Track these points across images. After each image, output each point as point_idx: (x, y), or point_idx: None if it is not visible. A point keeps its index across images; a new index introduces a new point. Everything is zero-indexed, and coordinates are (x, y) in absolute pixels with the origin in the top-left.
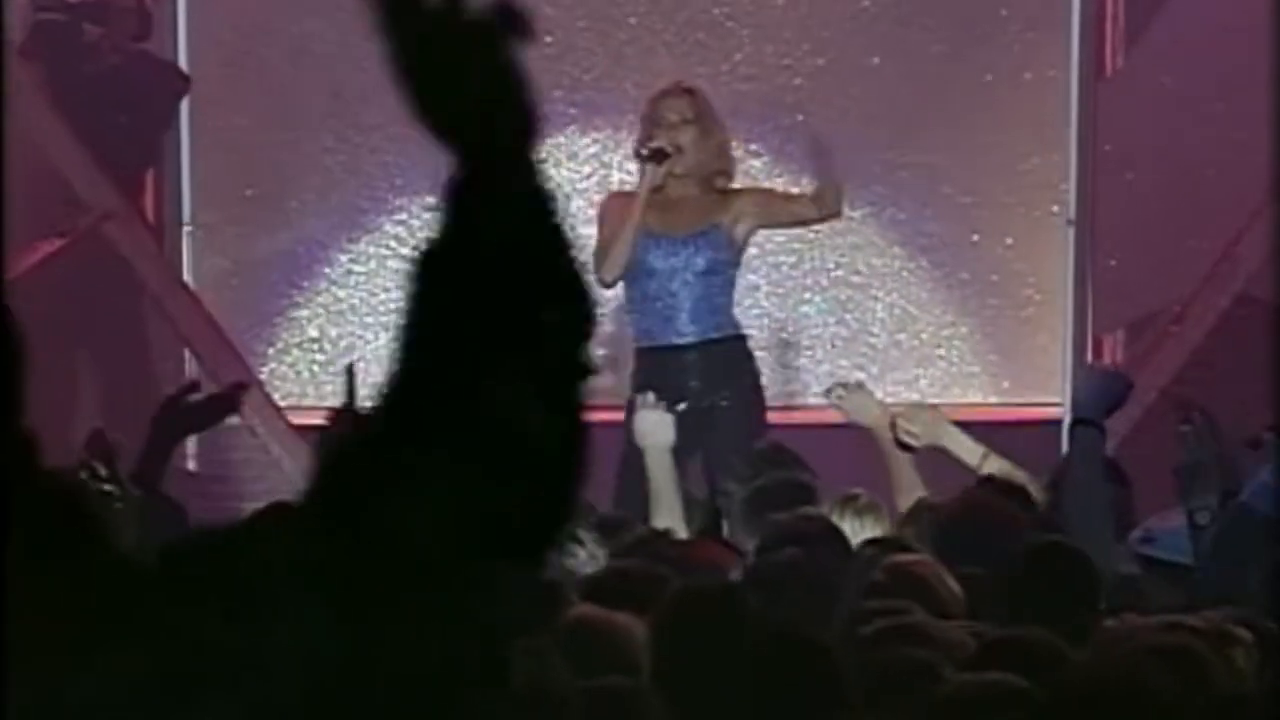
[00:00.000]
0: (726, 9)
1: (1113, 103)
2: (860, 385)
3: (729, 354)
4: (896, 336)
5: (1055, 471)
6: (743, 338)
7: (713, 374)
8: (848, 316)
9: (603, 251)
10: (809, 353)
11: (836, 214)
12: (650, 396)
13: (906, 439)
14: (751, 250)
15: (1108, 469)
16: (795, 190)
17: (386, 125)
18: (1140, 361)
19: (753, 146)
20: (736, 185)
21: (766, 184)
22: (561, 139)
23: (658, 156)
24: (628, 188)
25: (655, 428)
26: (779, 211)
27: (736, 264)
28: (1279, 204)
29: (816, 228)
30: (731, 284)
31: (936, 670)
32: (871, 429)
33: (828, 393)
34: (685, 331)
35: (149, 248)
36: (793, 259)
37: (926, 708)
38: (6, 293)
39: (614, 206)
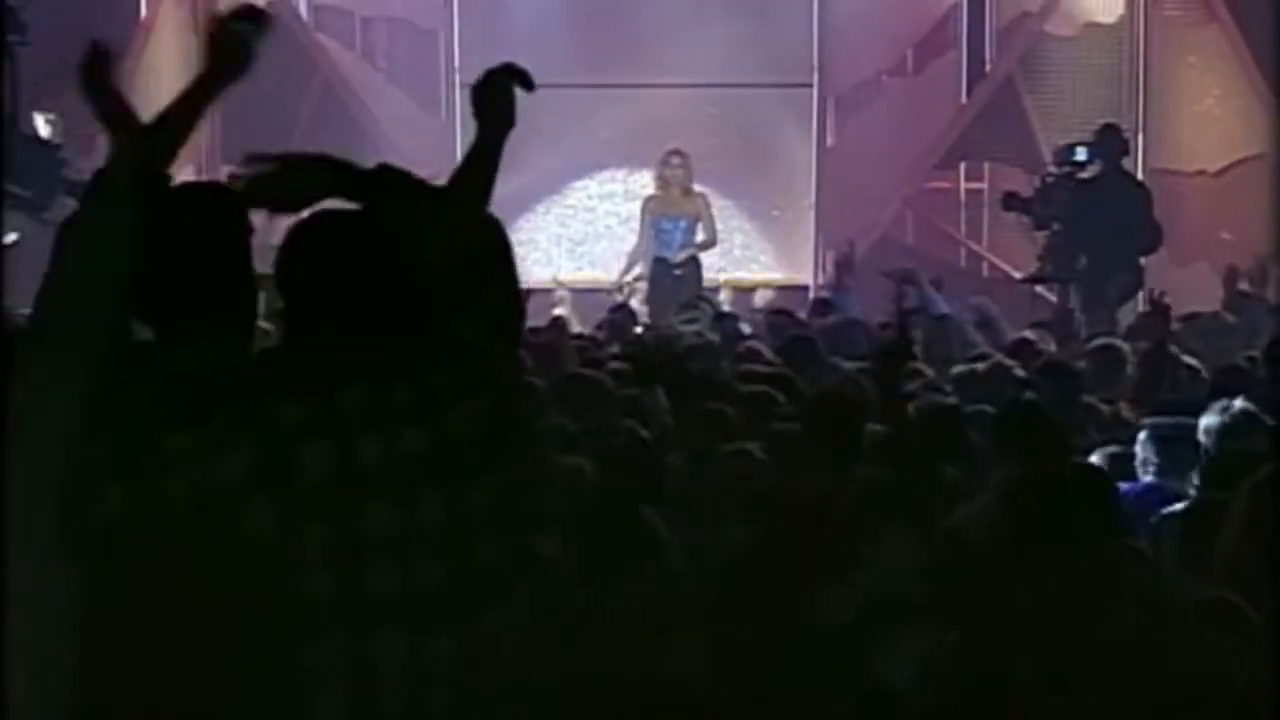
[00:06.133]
0: (679, 115)
1: (831, 160)
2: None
3: (691, 263)
4: (744, 255)
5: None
6: (697, 258)
7: (686, 270)
8: (723, 246)
9: (637, 250)
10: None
11: (714, 244)
12: (686, 327)
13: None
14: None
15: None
16: (715, 225)
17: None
18: (843, 266)
19: (701, 162)
20: (697, 188)
21: (704, 188)
22: (612, 170)
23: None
24: (647, 191)
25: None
26: (709, 228)
27: (695, 228)
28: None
29: (713, 213)
30: (695, 234)
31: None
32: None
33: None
34: (676, 254)
35: None
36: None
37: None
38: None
39: (646, 203)
